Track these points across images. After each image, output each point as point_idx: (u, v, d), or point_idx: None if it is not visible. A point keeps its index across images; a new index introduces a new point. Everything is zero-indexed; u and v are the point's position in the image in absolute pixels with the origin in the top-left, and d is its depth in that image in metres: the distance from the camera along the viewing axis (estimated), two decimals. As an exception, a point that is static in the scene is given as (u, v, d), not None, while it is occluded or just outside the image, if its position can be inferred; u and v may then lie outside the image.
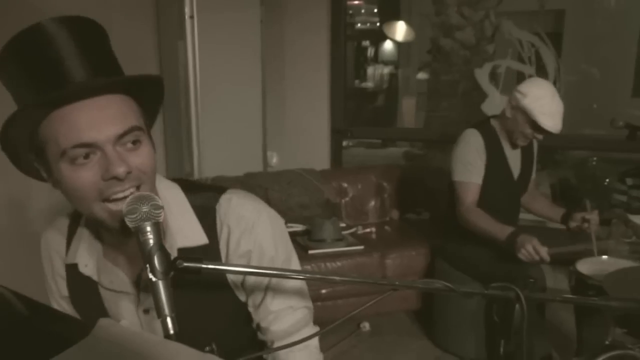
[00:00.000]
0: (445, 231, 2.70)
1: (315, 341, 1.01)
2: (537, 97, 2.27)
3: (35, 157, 0.83)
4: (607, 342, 2.04)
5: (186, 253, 0.89)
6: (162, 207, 0.77)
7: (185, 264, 0.73)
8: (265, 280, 0.97)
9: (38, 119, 0.79)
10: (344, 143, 4.45)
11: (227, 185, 1.03)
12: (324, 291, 2.82)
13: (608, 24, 7.35)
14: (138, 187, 0.83)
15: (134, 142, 0.82)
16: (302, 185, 3.33)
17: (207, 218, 0.94)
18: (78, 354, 0.32)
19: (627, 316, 2.10)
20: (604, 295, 2.01)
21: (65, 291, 1.03)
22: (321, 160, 3.93)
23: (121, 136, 0.80)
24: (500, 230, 2.25)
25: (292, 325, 0.99)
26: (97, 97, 0.79)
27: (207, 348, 0.83)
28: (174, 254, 0.88)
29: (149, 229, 0.73)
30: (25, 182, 0.93)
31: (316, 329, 1.02)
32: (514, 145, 2.46)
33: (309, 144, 3.99)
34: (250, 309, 1.01)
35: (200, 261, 0.74)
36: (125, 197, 0.80)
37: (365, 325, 2.95)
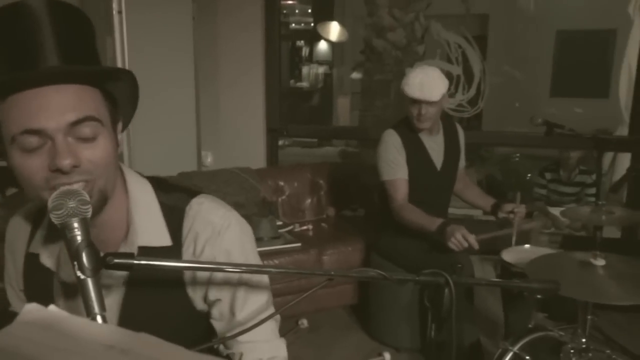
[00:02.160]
0: (380, 226, 2.78)
1: (285, 352, 0.97)
2: (407, 75, 2.49)
3: None
4: (530, 326, 2.18)
5: (147, 252, 0.86)
6: (89, 203, 0.73)
7: (116, 261, 0.69)
8: (230, 295, 0.92)
9: None
10: (280, 142, 4.45)
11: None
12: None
13: (528, 28, 7.80)
14: (88, 182, 0.78)
15: (90, 135, 0.77)
16: (237, 184, 3.31)
17: (175, 219, 0.90)
18: (3, 339, 0.31)
19: (547, 301, 2.25)
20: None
21: (21, 283, 0.98)
22: (257, 159, 3.91)
23: (73, 125, 0.75)
24: (431, 222, 2.38)
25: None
26: (51, 85, 0.75)
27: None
28: (134, 251, 0.86)
29: (76, 225, 0.70)
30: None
31: (282, 341, 0.97)
32: (430, 132, 2.59)
33: (244, 143, 3.96)
34: (216, 327, 0.94)
35: (132, 257, 0.70)
36: (72, 183, 0.77)
37: (304, 322, 2.97)
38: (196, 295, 0.92)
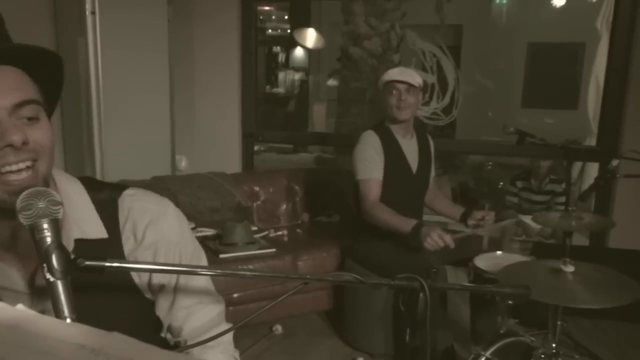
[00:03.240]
0: (355, 232, 2.79)
1: (229, 337, 0.99)
2: (385, 72, 2.63)
3: None
4: (501, 331, 2.22)
5: (84, 245, 0.85)
6: (60, 203, 0.71)
7: (87, 263, 0.68)
8: (174, 277, 0.94)
9: None
10: (255, 148, 4.44)
11: (133, 189, 1.01)
12: (235, 295, 2.79)
13: (500, 40, 7.96)
14: (35, 162, 0.76)
15: (31, 119, 0.77)
16: (212, 189, 3.28)
17: (108, 212, 0.90)
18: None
19: (518, 307, 2.29)
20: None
21: None
22: (232, 164, 3.89)
23: (18, 106, 0.75)
24: (405, 223, 2.39)
25: (206, 323, 0.96)
26: None
27: None
28: (70, 245, 0.84)
29: (45, 226, 0.68)
30: None
31: (229, 325, 0.99)
32: (406, 133, 2.65)
33: (219, 148, 3.94)
34: (160, 312, 0.96)
35: (104, 260, 0.69)
36: (19, 170, 0.75)
37: (278, 328, 2.95)
38: (145, 290, 0.93)
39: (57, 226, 0.69)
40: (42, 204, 0.69)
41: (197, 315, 0.96)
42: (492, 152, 5.06)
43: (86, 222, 0.87)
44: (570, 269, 1.72)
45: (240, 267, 2.80)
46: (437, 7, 5.10)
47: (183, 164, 3.77)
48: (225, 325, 0.99)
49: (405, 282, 0.94)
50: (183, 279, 0.94)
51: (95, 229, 0.88)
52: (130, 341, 0.32)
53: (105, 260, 0.69)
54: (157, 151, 3.36)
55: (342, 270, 2.95)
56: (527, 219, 3.62)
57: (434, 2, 5.25)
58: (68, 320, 0.63)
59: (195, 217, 3.11)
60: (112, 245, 0.88)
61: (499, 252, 2.50)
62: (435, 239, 2.26)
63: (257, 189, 3.53)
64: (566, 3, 6.93)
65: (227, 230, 2.94)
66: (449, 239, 2.28)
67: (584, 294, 1.64)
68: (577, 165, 4.64)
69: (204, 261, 0.99)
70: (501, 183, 5.55)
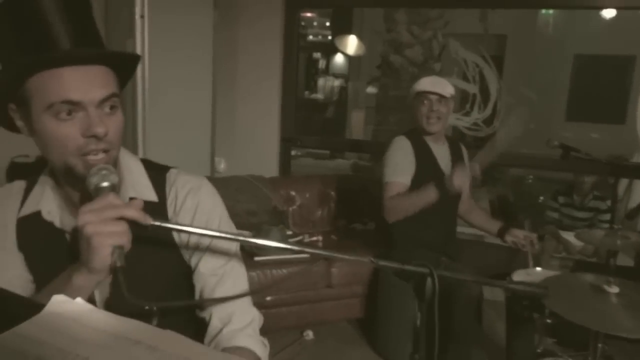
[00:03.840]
0: (390, 240, 2.76)
1: (258, 322, 1.06)
2: (417, 81, 2.61)
3: (16, 106, 0.91)
4: (538, 350, 2.16)
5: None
6: (116, 174, 0.87)
7: (155, 223, 0.83)
8: (207, 240, 1.04)
9: (25, 74, 0.86)
10: (293, 153, 4.47)
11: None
12: (268, 298, 2.81)
13: (545, 51, 7.79)
14: (107, 151, 0.90)
15: (112, 108, 0.91)
16: (250, 191, 3.31)
17: (158, 182, 1.05)
18: (31, 329, 0.31)
19: (557, 326, 2.22)
20: (538, 305, 2.12)
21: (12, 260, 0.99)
22: (270, 168, 3.92)
23: (103, 100, 0.89)
24: (425, 192, 2.35)
25: (235, 284, 1.05)
26: (85, 65, 0.88)
27: (147, 307, 0.85)
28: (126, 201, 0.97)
29: (105, 185, 0.84)
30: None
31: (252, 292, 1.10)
32: (437, 140, 2.62)
33: (258, 151, 3.98)
34: (192, 264, 1.05)
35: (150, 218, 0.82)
36: (97, 152, 0.89)
37: (309, 334, 2.96)
38: (182, 241, 1.05)
39: (114, 191, 0.84)
40: (104, 172, 0.85)
41: (226, 277, 1.05)
42: (534, 166, 4.93)
43: (141, 186, 1.04)
44: (614, 289, 1.65)
45: (273, 271, 2.82)
46: (481, 17, 5.04)
47: (222, 166, 3.83)
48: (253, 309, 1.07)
49: (414, 267, 0.95)
50: (215, 241, 1.06)
51: (148, 193, 1.03)
52: (183, 339, 0.32)
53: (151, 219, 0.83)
54: (197, 152, 3.42)
55: (376, 279, 2.94)
56: (568, 236, 3.51)
57: (478, 11, 5.19)
58: (118, 264, 0.77)
59: (231, 219, 3.15)
60: (159, 208, 1.02)
61: (538, 269, 2.43)
62: (461, 175, 2.23)
63: (293, 193, 3.54)
64: (616, 15, 6.72)
65: (263, 234, 2.97)
66: (474, 170, 2.28)
67: (630, 320, 1.54)
68: (624, 181, 4.48)
69: (233, 227, 1.12)
70: (541, 197, 5.41)
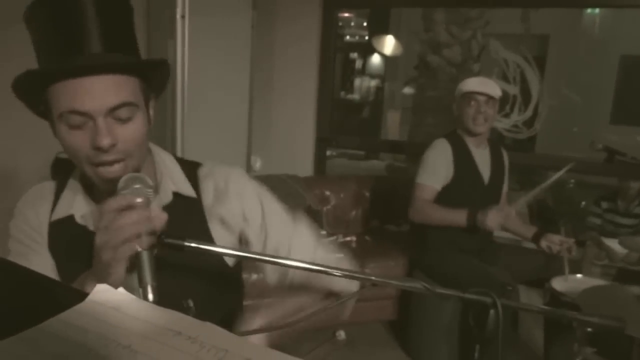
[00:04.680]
0: (425, 243, 2.73)
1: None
2: (463, 81, 2.58)
3: (44, 109, 0.90)
4: (577, 360, 2.08)
5: (178, 199, 1.01)
6: (152, 187, 0.84)
7: (168, 240, 0.78)
8: (260, 218, 1.07)
9: (44, 83, 0.86)
10: (327, 153, 4.47)
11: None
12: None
13: (590, 52, 7.54)
14: (124, 160, 0.88)
15: (126, 117, 0.88)
16: (284, 190, 3.33)
17: (192, 177, 1.05)
18: (74, 316, 0.32)
19: (598, 335, 2.14)
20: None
21: (42, 260, 0.99)
22: (305, 167, 3.93)
23: (113, 109, 0.86)
24: (457, 214, 2.35)
25: (307, 243, 1.13)
26: (99, 74, 0.85)
27: (184, 304, 0.85)
28: (169, 195, 1.00)
29: (139, 201, 0.80)
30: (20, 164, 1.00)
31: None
32: (480, 143, 2.58)
33: (293, 150, 4.00)
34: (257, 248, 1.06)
35: (183, 239, 0.79)
36: (112, 162, 0.87)
37: (341, 334, 2.95)
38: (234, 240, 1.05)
39: (148, 206, 0.81)
40: (137, 186, 0.83)
41: (295, 244, 1.09)
42: (576, 170, 4.78)
43: (180, 182, 1.03)
44: (660, 299, 1.58)
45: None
46: (523, 16, 4.93)
47: (258, 164, 3.87)
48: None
49: (476, 296, 0.90)
50: (267, 219, 1.08)
51: (186, 188, 1.03)
52: (222, 332, 0.33)
53: (184, 239, 0.79)
54: (234, 151, 3.46)
55: (410, 281, 2.90)
56: (611, 243, 3.39)
57: (520, 11, 5.07)
58: (149, 287, 0.73)
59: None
60: (196, 206, 1.03)
61: (578, 275, 2.36)
62: (495, 216, 2.21)
63: (327, 193, 3.55)
64: (666, 14, 6.44)
65: (297, 233, 2.98)
66: (510, 210, 2.28)
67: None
68: (672, 188, 4.29)
69: (280, 206, 1.14)
70: (583, 202, 5.24)
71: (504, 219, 2.22)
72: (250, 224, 1.06)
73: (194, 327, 0.32)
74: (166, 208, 0.95)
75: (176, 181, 1.03)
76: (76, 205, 1.00)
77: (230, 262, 1.05)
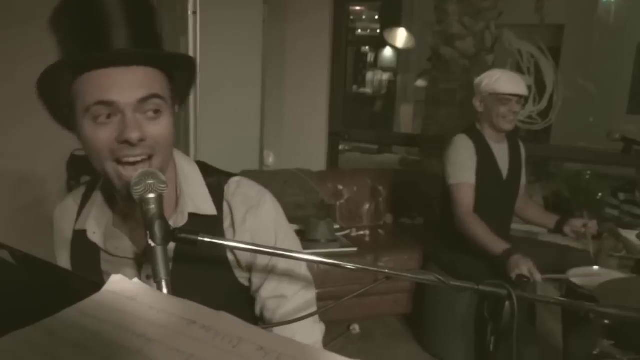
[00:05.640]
0: (439, 236, 2.72)
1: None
2: (491, 75, 2.46)
3: (68, 111, 0.88)
4: (595, 353, 2.06)
5: (196, 220, 0.96)
6: (165, 183, 0.82)
7: (182, 235, 0.78)
8: (266, 258, 1.00)
9: (71, 77, 0.84)
10: (340, 147, 4.46)
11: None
12: (316, 291, 2.82)
13: (606, 41, 7.42)
14: (150, 157, 0.86)
15: (155, 112, 0.86)
16: (297, 185, 3.33)
17: (216, 192, 1.00)
18: (91, 306, 0.33)
19: (616, 328, 2.11)
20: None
21: (67, 264, 1.03)
22: (317, 162, 3.93)
23: (142, 101, 0.84)
24: (496, 244, 2.27)
25: (296, 308, 1.03)
26: (126, 66, 0.84)
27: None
28: (185, 217, 0.96)
29: (152, 197, 0.79)
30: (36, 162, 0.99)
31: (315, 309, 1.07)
32: (499, 139, 2.54)
33: (306, 145, 4.00)
34: (253, 289, 1.03)
35: (197, 234, 0.78)
36: (135, 163, 0.85)
37: (355, 328, 2.95)
38: (237, 269, 1.01)
39: (161, 201, 0.80)
40: (150, 181, 0.80)
41: (286, 306, 1.02)
42: (592, 161, 4.72)
43: (200, 200, 0.98)
44: (680, 291, 1.56)
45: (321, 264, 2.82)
46: (537, 6, 4.85)
47: (270, 159, 3.88)
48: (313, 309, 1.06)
49: (491, 288, 0.89)
50: (274, 260, 1.01)
51: (207, 206, 0.98)
52: (236, 321, 0.33)
53: (197, 234, 0.78)
54: (246, 146, 3.48)
55: (424, 274, 2.89)
56: (629, 234, 3.35)
57: (534, 1, 5.00)
58: (163, 281, 0.72)
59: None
60: (216, 223, 0.98)
61: (595, 267, 2.33)
62: (525, 272, 2.14)
63: (341, 187, 3.54)
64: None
65: (310, 227, 2.98)
66: (538, 276, 2.14)
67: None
68: (691, 178, 4.22)
69: (297, 245, 1.06)
70: (600, 194, 5.16)
71: (527, 267, 2.17)
72: (257, 262, 1.01)
73: (209, 316, 0.32)
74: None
75: (196, 199, 0.98)
76: (90, 220, 0.99)
77: (245, 282, 1.02)
